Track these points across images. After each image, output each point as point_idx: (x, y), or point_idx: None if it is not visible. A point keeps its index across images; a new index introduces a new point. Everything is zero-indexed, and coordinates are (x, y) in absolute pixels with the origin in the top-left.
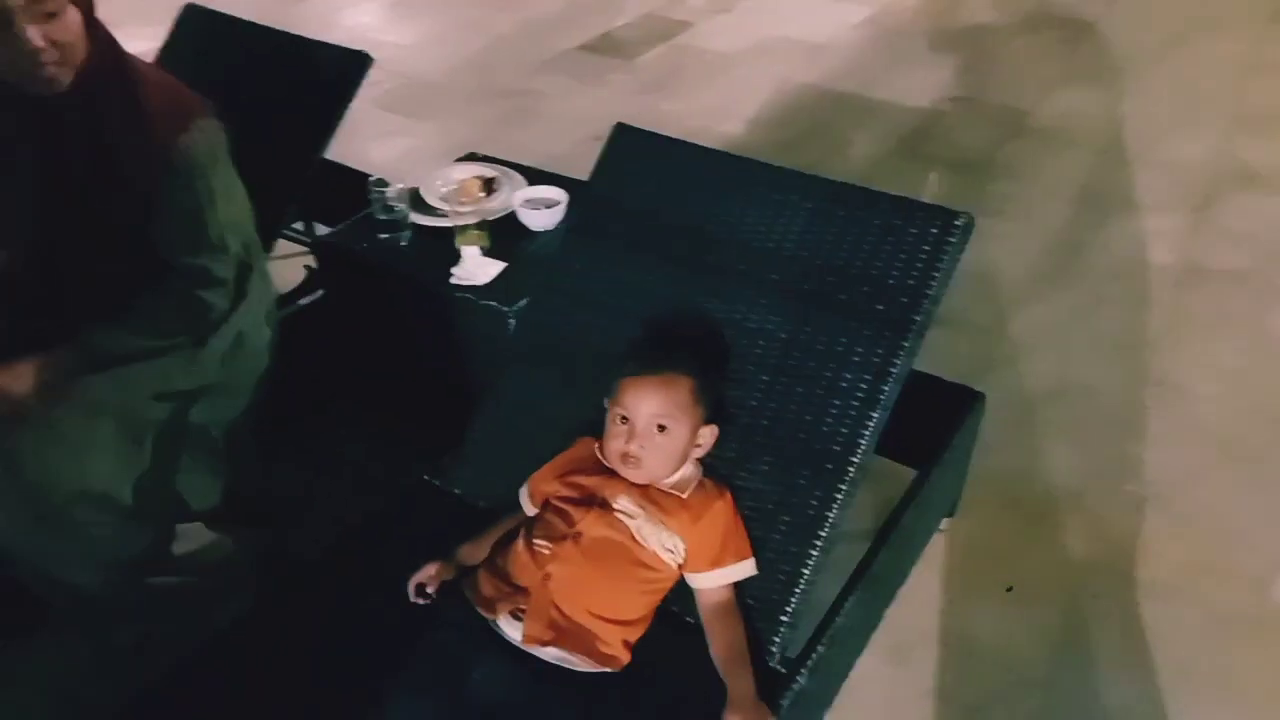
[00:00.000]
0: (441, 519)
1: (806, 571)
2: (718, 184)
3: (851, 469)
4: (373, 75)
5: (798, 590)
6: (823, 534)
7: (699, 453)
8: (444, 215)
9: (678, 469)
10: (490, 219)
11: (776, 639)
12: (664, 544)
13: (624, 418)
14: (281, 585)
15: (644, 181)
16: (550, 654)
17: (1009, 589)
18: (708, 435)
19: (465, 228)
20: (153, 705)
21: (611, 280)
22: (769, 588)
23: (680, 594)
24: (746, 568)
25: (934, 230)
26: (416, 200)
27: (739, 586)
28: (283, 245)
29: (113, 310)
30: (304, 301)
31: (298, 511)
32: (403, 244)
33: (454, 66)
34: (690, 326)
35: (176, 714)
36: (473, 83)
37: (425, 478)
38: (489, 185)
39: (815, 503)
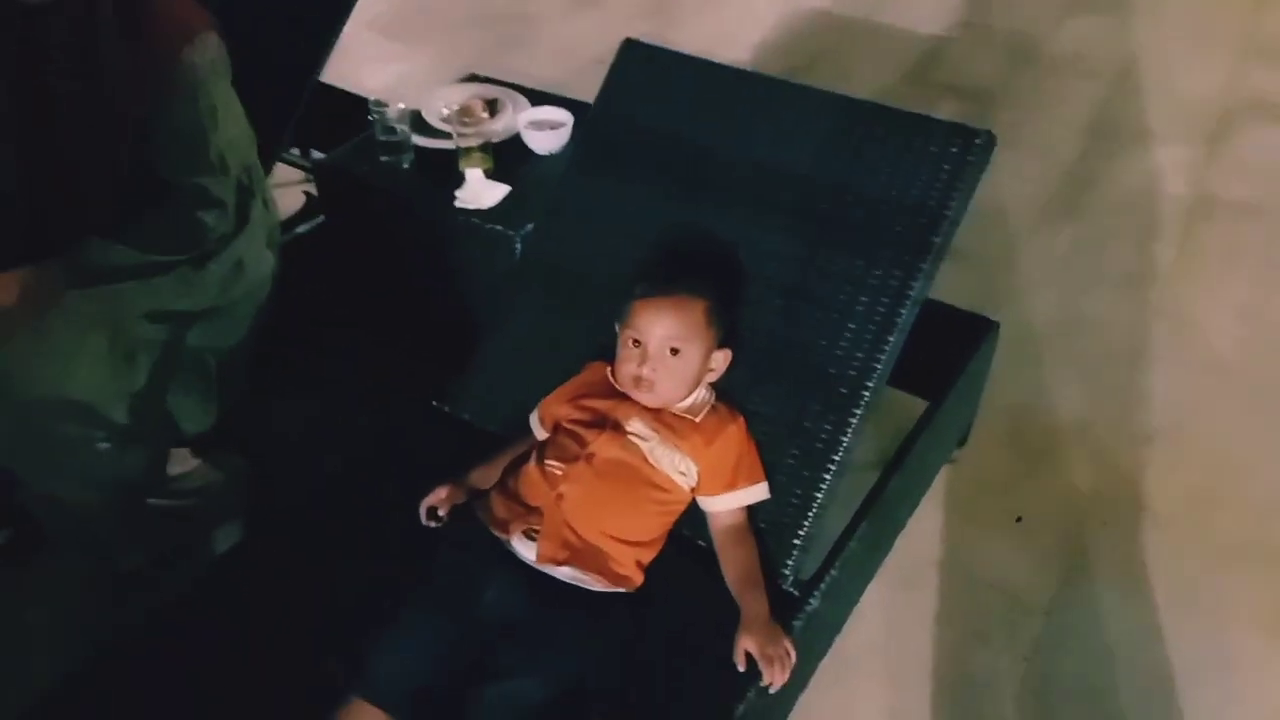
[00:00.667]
0: (450, 444)
1: (819, 496)
2: (730, 102)
3: (866, 394)
4: None
5: (810, 515)
6: (836, 459)
7: (712, 377)
8: (446, 137)
9: (690, 392)
10: (494, 141)
11: (789, 562)
12: (676, 466)
13: (636, 341)
14: (288, 511)
15: (653, 100)
16: (564, 573)
17: (1018, 519)
18: (721, 359)
19: (468, 150)
20: (159, 630)
21: (620, 202)
22: (782, 512)
23: (693, 518)
24: (759, 491)
25: (954, 149)
26: (418, 122)
27: (752, 510)
28: (281, 171)
29: (106, 227)
30: (303, 228)
31: (301, 439)
32: (404, 166)
33: None
34: (702, 249)
35: (181, 640)
36: (466, 6)
37: (434, 404)
38: (491, 106)
39: (829, 428)
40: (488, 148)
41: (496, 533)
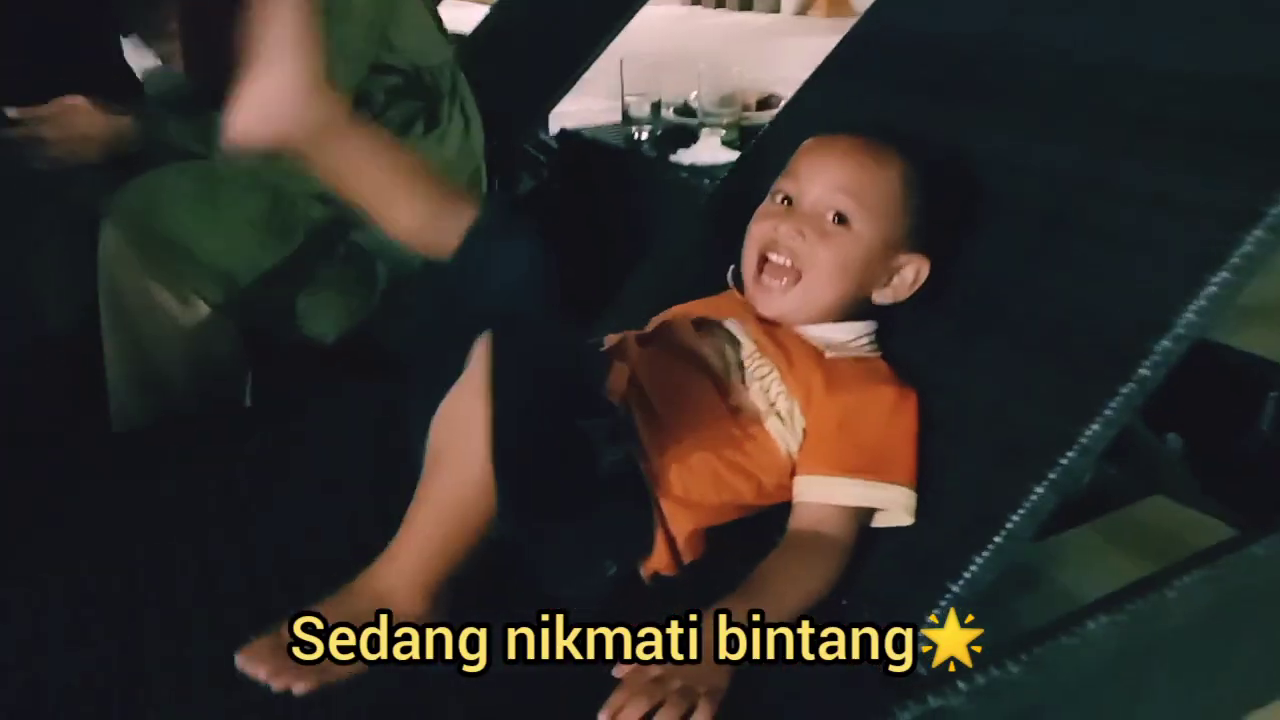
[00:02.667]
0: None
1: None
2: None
3: (1086, 436)
4: None
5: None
6: (1010, 522)
7: (886, 295)
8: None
9: (842, 298)
10: (746, 125)
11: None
12: (773, 400)
13: (788, 197)
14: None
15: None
16: None
17: None
18: (913, 270)
19: (715, 124)
20: None
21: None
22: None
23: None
24: (896, 496)
25: None
26: (683, 108)
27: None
28: None
29: None
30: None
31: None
32: (643, 137)
33: None
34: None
35: None
36: None
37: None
38: (766, 102)
39: (1010, 488)
40: (734, 128)
41: None
